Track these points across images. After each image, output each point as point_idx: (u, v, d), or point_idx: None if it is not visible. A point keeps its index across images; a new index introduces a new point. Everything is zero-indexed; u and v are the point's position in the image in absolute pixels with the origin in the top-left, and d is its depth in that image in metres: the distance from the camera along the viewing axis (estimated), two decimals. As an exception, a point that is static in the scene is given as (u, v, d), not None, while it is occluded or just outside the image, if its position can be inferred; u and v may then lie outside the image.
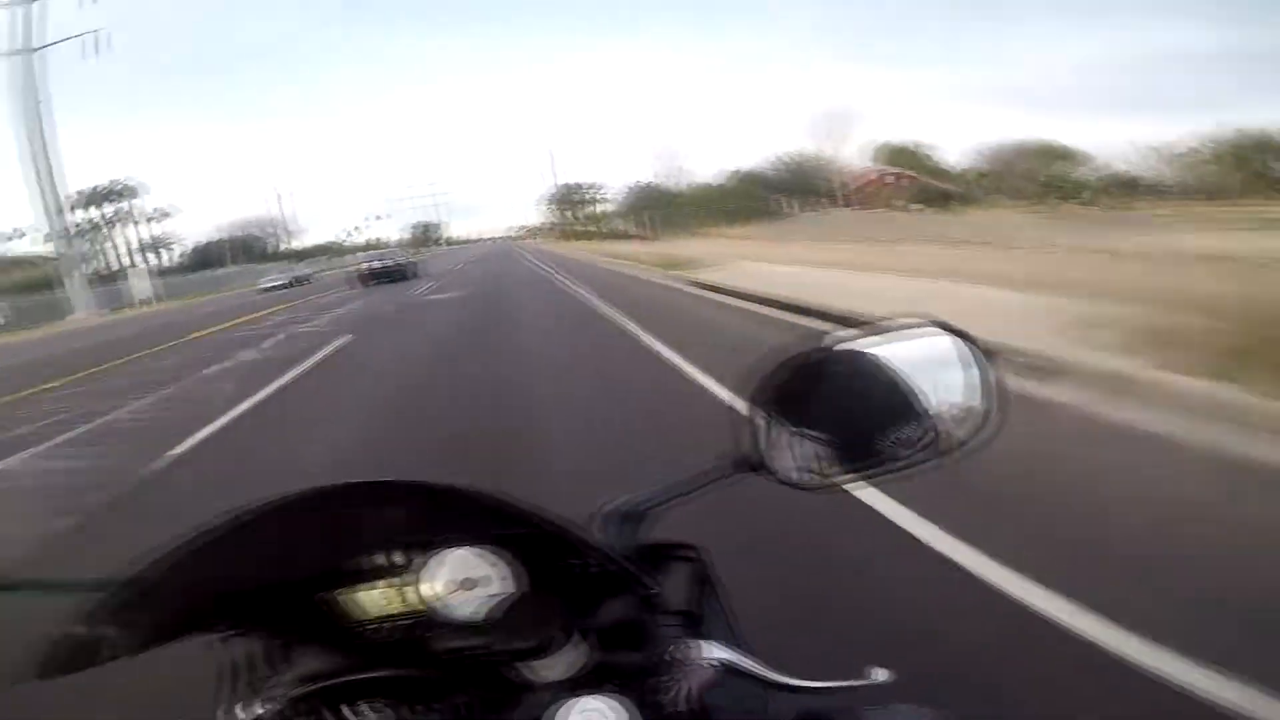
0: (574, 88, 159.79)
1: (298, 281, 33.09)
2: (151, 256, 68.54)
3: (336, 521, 0.46)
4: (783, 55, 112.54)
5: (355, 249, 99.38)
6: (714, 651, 0.47)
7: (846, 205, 46.55)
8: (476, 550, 0.46)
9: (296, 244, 79.85)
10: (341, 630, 0.47)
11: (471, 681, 0.46)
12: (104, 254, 62.72)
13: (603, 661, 0.47)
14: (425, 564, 0.46)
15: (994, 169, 45.94)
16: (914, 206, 43.34)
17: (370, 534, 0.47)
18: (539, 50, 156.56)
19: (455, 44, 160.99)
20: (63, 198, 28.80)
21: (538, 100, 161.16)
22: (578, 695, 0.43)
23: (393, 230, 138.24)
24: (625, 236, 38.48)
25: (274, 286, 30.37)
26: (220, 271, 52.09)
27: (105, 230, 63.21)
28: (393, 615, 0.47)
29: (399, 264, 23.09)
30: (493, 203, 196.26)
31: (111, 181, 65.15)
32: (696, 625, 0.53)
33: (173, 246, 69.23)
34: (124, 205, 64.63)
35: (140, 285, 32.82)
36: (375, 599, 0.47)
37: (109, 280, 36.90)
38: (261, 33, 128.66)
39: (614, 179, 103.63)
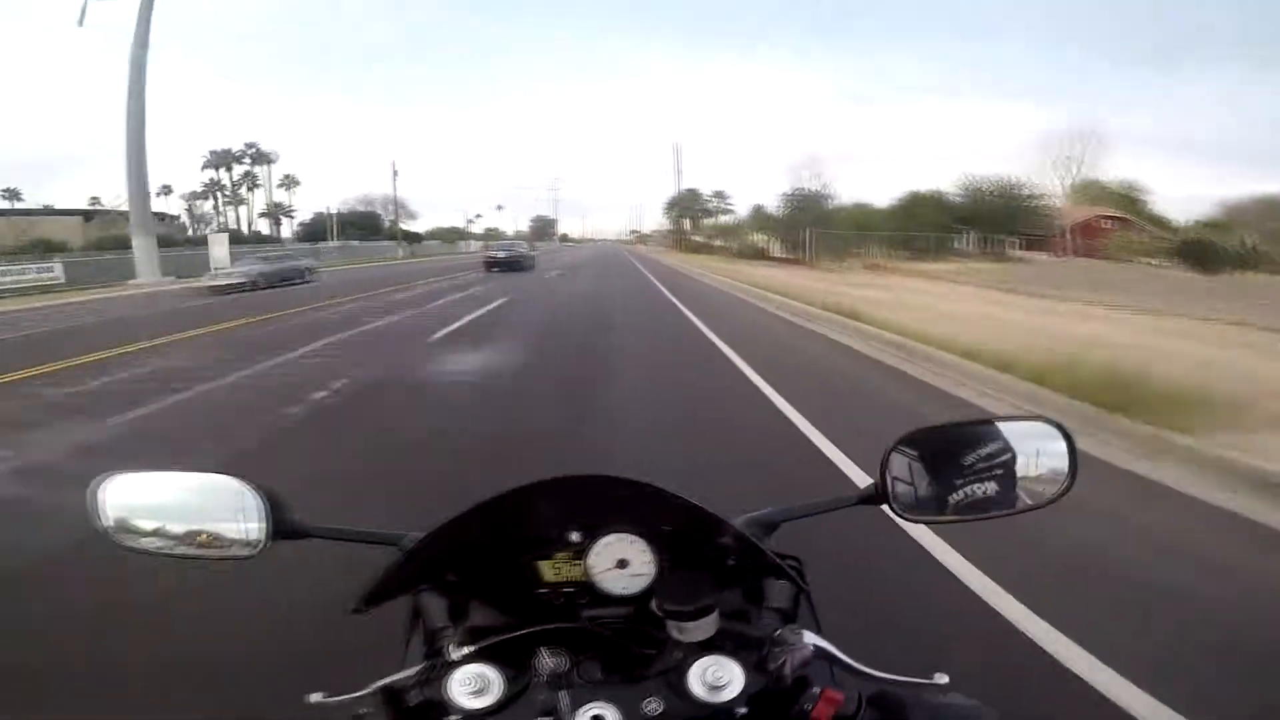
0: (707, 93, 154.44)
1: (270, 281, 18.31)
2: (271, 224, 69.13)
3: (546, 504, 0.63)
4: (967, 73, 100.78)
5: (475, 236, 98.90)
6: (811, 639, 0.59)
7: (1042, 248, 36.60)
8: (630, 538, 0.62)
9: (408, 225, 78.47)
10: (525, 591, 0.64)
11: (626, 637, 0.60)
12: (224, 215, 63.44)
13: (726, 630, 0.59)
14: (592, 544, 0.62)
15: (1230, 222, 34.69)
16: (1148, 260, 32.93)
17: (562, 516, 0.63)
18: (673, 53, 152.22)
19: (590, 42, 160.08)
20: (144, 151, 24.87)
21: (665, 103, 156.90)
22: (707, 654, 0.55)
23: (509, 221, 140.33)
24: (763, 256, 30.88)
25: (230, 284, 17.24)
26: (320, 245, 49.66)
27: (231, 193, 63.90)
28: (561, 583, 0.64)
29: (519, 255, 25.44)
30: (608, 204, 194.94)
31: (247, 145, 66.27)
32: (790, 620, 0.65)
33: (293, 215, 69.52)
34: (253, 170, 65.45)
35: (218, 253, 28.88)
36: (550, 569, 0.64)
37: (195, 245, 33.64)
38: (401, 17, 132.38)
39: (741, 192, 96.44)
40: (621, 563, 0.62)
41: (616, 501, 0.63)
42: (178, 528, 0.69)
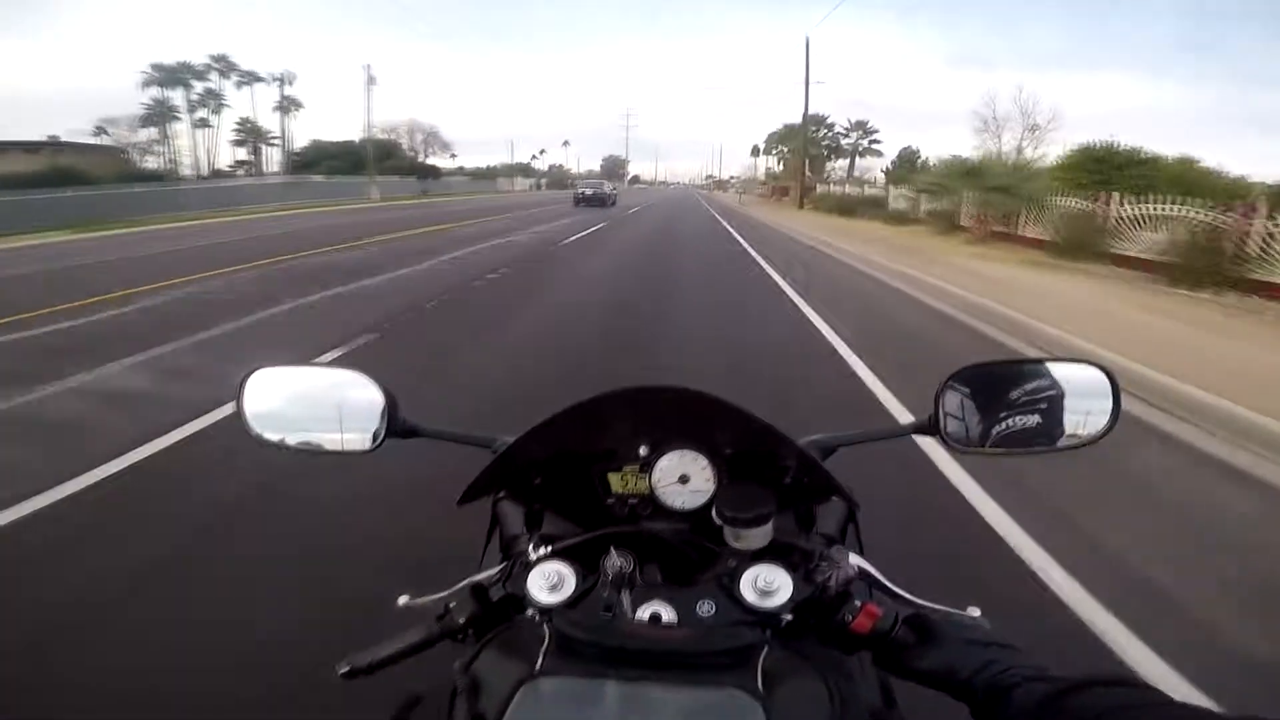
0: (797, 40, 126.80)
1: None
2: (251, 153, 53.71)
3: (621, 415, 0.67)
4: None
5: (537, 174, 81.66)
6: (855, 560, 0.62)
7: None
8: (693, 455, 0.66)
9: (438, 159, 61.29)
10: (594, 500, 0.68)
11: (685, 545, 0.64)
12: (170, 144, 48.10)
13: (778, 542, 0.62)
14: (658, 460, 0.66)
15: None
16: None
17: (634, 428, 0.67)
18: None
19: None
20: None
21: (758, 39, 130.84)
22: (759, 562, 0.58)
23: (576, 159, 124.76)
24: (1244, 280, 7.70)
25: None
26: (243, 180, 33.64)
27: (188, 116, 48.40)
28: (627, 495, 0.68)
29: (603, 193, 29.68)
30: (684, 147, 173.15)
31: (213, 58, 49.92)
32: (836, 544, 0.68)
33: (274, 143, 53.75)
34: (218, 89, 49.52)
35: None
36: (619, 481, 0.68)
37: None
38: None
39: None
40: (683, 479, 0.66)
41: (686, 415, 0.67)
42: (308, 424, 0.74)
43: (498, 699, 0.47)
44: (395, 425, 0.74)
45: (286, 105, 53.67)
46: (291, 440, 0.75)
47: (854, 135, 40.42)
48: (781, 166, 43.19)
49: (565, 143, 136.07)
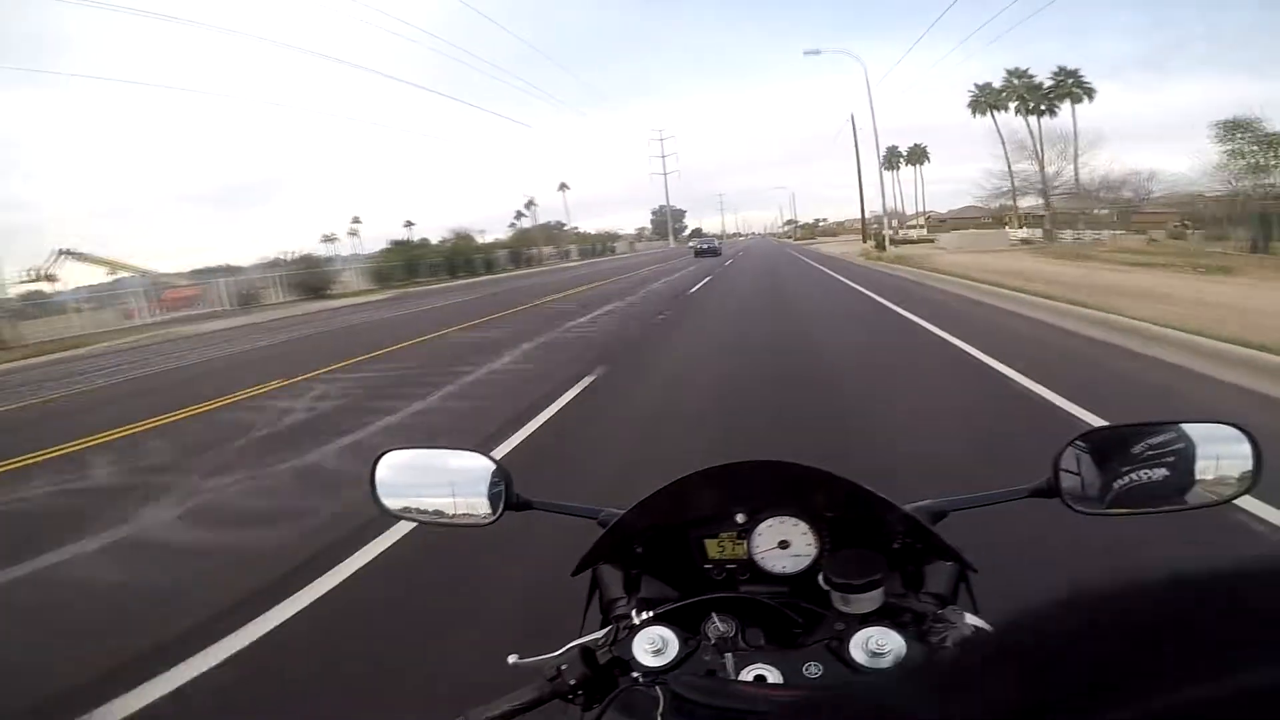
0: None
1: None
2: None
3: (717, 487, 0.70)
4: None
5: (500, 245, 54.85)
6: (971, 619, 0.61)
7: None
8: (793, 521, 0.68)
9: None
10: (692, 566, 0.71)
11: (788, 608, 0.65)
12: None
13: (889, 604, 0.62)
14: (756, 526, 0.69)
15: None
16: None
17: (731, 497, 0.70)
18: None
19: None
20: None
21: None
22: (869, 624, 0.59)
23: (622, 215, 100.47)
24: None
25: None
26: None
27: None
28: (725, 560, 0.70)
29: (715, 246, 39.47)
30: (752, 195, 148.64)
31: None
32: (949, 604, 0.66)
33: None
34: None
35: None
36: (715, 547, 0.71)
37: None
38: None
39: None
40: (783, 544, 0.68)
41: (783, 485, 0.68)
42: (434, 497, 0.81)
43: None
44: (511, 499, 0.78)
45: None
46: (418, 513, 0.81)
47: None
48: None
49: (562, 186, 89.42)
